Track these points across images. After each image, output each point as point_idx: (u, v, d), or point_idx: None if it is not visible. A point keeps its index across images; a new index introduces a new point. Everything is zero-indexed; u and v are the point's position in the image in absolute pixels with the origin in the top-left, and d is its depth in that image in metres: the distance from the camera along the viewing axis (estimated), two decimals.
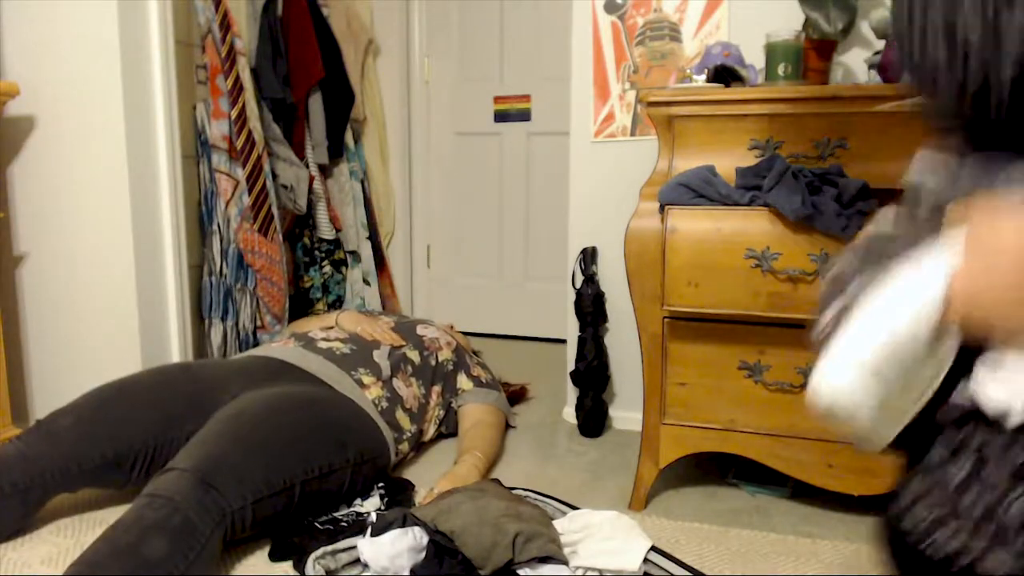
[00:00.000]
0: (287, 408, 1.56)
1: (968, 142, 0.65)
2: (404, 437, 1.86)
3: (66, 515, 1.61)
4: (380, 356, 1.93)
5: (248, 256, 2.49)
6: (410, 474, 1.84)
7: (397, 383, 1.91)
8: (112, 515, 1.52)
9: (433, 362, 2.04)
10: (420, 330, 2.11)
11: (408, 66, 3.38)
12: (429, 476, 1.81)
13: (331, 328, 2.06)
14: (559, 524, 1.35)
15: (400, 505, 1.62)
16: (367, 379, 1.84)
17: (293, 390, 1.66)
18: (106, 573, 1.17)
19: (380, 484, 1.65)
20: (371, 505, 1.59)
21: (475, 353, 2.42)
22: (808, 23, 1.80)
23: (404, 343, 2.02)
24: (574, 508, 1.52)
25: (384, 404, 1.82)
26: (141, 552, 1.19)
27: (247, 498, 1.37)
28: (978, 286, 0.56)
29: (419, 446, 2.00)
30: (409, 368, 1.97)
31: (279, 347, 1.91)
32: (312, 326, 2.15)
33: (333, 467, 1.54)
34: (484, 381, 2.14)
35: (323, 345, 1.90)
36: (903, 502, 0.65)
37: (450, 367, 2.09)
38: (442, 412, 2.06)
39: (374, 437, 1.72)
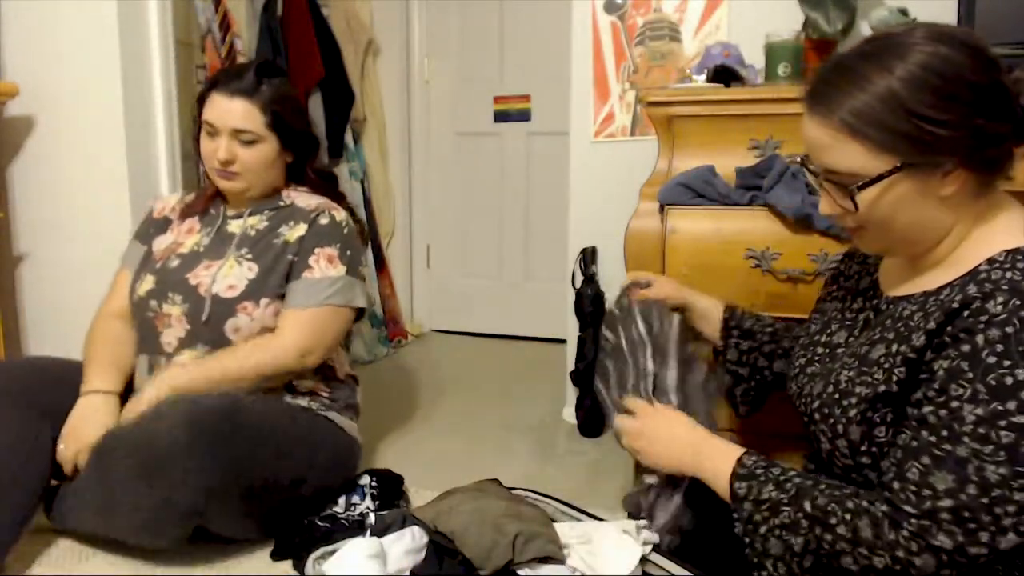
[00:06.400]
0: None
1: None
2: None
3: None
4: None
5: None
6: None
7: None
8: None
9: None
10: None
11: (408, 66, 3.38)
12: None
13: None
14: (560, 529, 1.35)
15: (393, 503, 1.62)
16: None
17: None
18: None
19: (373, 484, 1.64)
20: (366, 505, 1.59)
21: None
22: (808, 23, 1.80)
23: None
24: (577, 509, 1.52)
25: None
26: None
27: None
28: (646, 451, 1.17)
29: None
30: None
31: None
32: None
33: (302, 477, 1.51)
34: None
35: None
36: None
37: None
38: None
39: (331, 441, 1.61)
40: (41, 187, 2.19)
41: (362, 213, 3.15)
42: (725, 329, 1.36)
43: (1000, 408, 0.81)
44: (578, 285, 2.23)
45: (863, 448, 0.95)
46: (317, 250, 1.58)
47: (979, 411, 0.81)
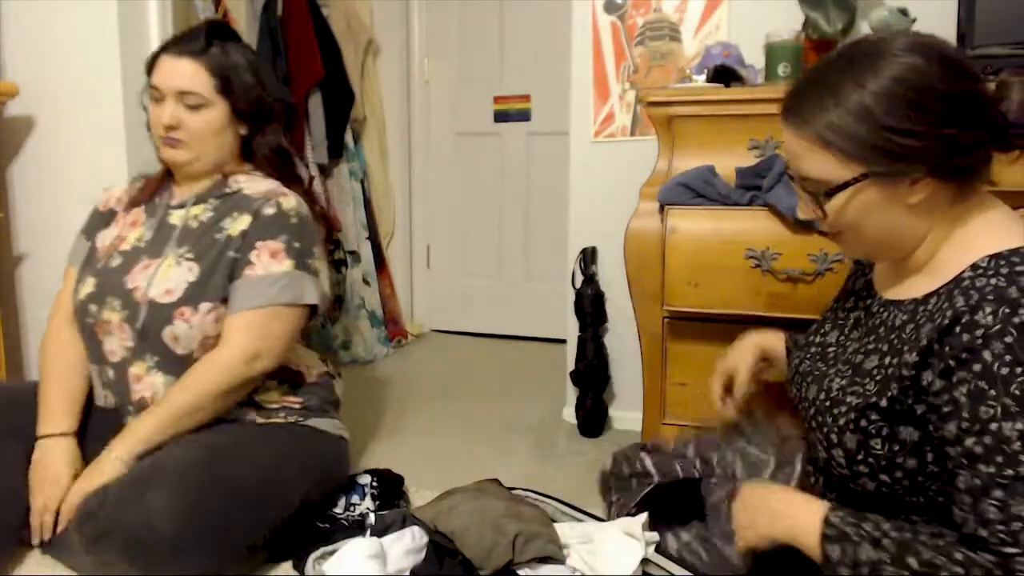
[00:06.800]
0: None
1: None
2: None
3: None
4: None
5: None
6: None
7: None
8: None
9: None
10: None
11: (408, 66, 3.38)
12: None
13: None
14: (560, 530, 1.35)
15: (393, 503, 1.62)
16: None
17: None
18: None
19: (373, 484, 1.64)
20: (366, 505, 1.59)
21: None
22: (808, 23, 1.80)
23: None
24: (577, 509, 1.52)
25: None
26: None
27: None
28: (743, 531, 1.07)
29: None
30: None
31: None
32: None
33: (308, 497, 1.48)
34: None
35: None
36: None
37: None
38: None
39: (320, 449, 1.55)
40: (41, 187, 2.19)
41: (362, 213, 3.15)
42: (789, 358, 1.30)
43: None
44: (578, 285, 2.23)
45: (859, 457, 0.95)
46: (259, 244, 1.44)
47: (1019, 425, 0.81)
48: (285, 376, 1.55)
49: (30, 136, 2.18)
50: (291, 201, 1.49)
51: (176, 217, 1.52)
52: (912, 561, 0.85)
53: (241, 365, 1.40)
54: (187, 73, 1.45)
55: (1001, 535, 0.81)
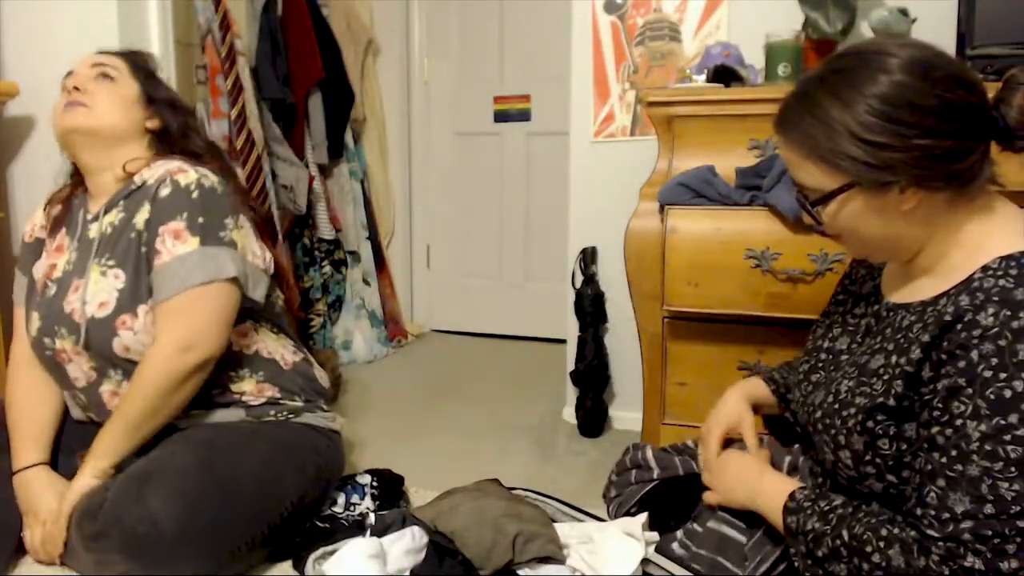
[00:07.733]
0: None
1: None
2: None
3: None
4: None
5: None
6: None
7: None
8: None
9: None
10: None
11: (408, 66, 3.38)
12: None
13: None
14: (560, 530, 1.35)
15: (393, 503, 1.62)
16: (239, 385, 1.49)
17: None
18: None
19: (373, 484, 1.64)
20: (366, 505, 1.59)
21: None
22: (808, 23, 1.80)
23: None
24: (577, 509, 1.52)
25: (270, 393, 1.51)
26: None
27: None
28: (719, 490, 1.17)
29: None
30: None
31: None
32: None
33: (304, 497, 1.45)
34: None
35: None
36: None
37: None
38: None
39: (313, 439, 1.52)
40: (41, 187, 2.18)
41: (362, 213, 3.15)
42: (779, 397, 1.29)
43: (1003, 422, 0.81)
44: (578, 285, 2.23)
45: (867, 458, 0.95)
46: (161, 229, 1.37)
47: (983, 427, 0.82)
48: (259, 365, 1.50)
49: (30, 136, 2.18)
50: (190, 176, 1.40)
51: (94, 230, 1.46)
52: (844, 533, 0.93)
53: (175, 357, 1.33)
54: (110, 58, 1.50)
55: (931, 519, 0.85)
